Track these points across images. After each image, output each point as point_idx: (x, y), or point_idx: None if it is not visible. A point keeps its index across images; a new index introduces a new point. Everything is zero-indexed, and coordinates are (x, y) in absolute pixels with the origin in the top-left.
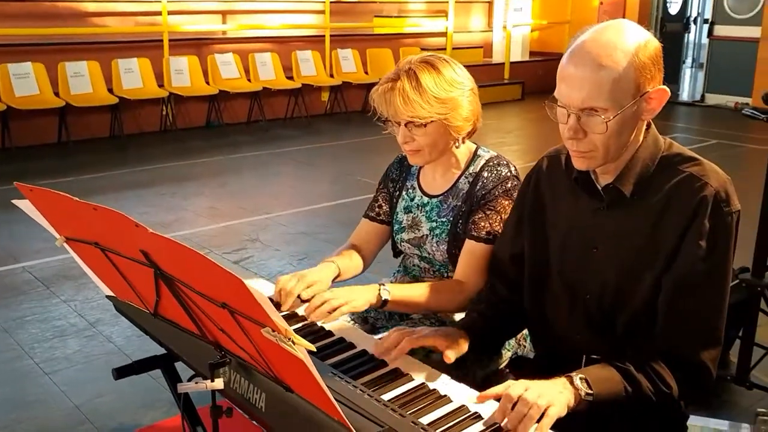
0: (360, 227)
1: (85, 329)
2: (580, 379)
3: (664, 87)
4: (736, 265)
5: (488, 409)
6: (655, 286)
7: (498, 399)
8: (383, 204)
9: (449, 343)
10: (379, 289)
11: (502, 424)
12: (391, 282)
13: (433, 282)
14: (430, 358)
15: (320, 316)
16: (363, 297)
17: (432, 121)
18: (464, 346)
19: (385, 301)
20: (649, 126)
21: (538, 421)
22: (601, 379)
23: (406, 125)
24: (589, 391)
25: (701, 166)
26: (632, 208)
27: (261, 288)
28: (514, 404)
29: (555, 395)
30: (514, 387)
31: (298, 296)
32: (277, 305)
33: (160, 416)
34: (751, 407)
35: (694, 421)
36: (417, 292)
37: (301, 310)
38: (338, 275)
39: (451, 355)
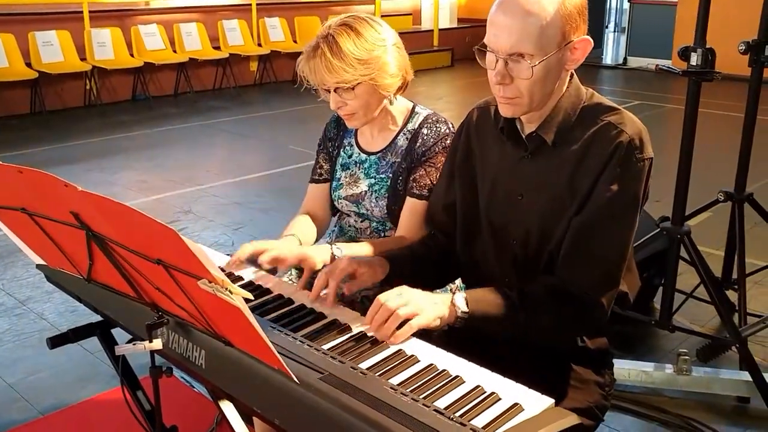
0: (308, 194)
1: (15, 307)
2: (461, 297)
3: (588, 37)
4: (657, 215)
5: (432, 354)
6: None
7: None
8: (324, 164)
9: (367, 268)
10: (332, 249)
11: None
12: (327, 243)
13: (383, 240)
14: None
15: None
16: (318, 256)
17: (359, 83)
18: (381, 275)
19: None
20: (572, 77)
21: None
22: (480, 300)
23: (335, 91)
24: (465, 310)
25: (619, 115)
26: (554, 157)
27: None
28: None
29: (425, 306)
30: (387, 293)
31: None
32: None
33: (98, 389)
34: (673, 349)
35: (621, 364)
36: (366, 249)
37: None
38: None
39: (353, 287)
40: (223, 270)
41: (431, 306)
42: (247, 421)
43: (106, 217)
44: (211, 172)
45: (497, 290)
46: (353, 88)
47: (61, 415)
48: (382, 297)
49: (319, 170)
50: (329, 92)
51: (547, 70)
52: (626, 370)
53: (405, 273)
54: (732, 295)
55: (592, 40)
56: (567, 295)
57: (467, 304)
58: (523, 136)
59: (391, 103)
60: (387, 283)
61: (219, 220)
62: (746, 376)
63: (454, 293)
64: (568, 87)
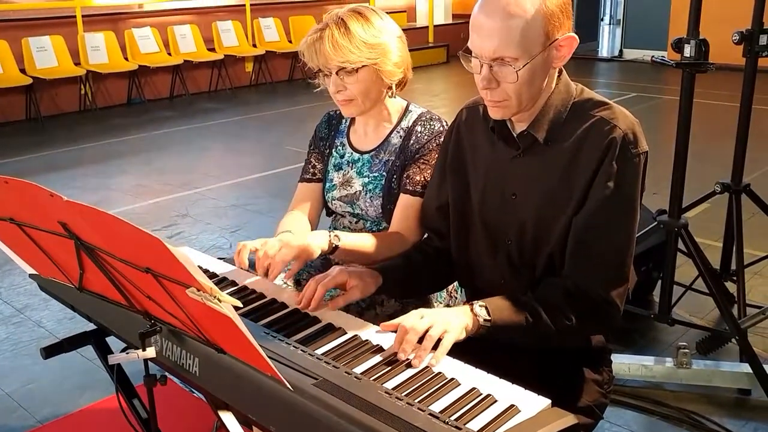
0: (297, 193)
1: (13, 316)
2: (480, 306)
3: (573, 34)
4: (654, 208)
5: (427, 357)
6: (568, 228)
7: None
8: (317, 164)
9: (358, 281)
10: (330, 236)
11: (398, 356)
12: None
13: (381, 233)
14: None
15: (273, 277)
16: (316, 244)
17: (363, 66)
18: (372, 287)
19: (336, 248)
20: (560, 73)
21: (435, 348)
22: (500, 308)
23: (337, 73)
24: (487, 318)
25: (611, 110)
26: (547, 154)
27: (191, 256)
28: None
29: (450, 322)
30: (407, 318)
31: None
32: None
33: (96, 397)
34: (673, 343)
35: (621, 359)
36: (366, 241)
37: (231, 275)
38: None
39: (339, 301)
40: (215, 276)
41: (455, 319)
42: (247, 426)
43: (92, 226)
44: (208, 174)
45: (513, 297)
46: (356, 71)
47: (60, 424)
48: (406, 322)
49: (312, 170)
50: (329, 76)
51: (533, 72)
52: (626, 364)
53: (399, 282)
54: (731, 287)
55: (577, 37)
56: (582, 297)
57: (488, 312)
58: (515, 135)
59: (390, 95)
60: (379, 294)
61: (216, 223)
62: (747, 367)
63: (472, 305)
64: (557, 84)
